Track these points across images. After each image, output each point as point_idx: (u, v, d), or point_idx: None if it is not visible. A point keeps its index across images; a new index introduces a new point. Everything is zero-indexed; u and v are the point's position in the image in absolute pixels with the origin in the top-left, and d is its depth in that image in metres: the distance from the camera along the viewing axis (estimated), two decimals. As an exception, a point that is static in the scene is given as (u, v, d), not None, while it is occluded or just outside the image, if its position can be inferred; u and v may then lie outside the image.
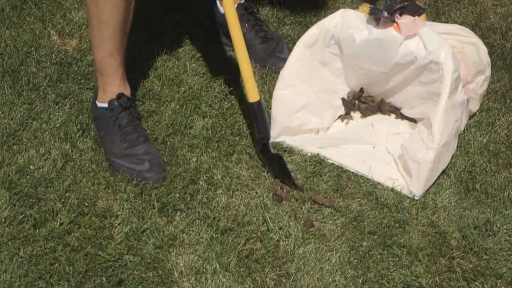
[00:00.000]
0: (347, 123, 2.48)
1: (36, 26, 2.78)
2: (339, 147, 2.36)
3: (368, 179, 2.24)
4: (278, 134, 2.35)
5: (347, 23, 2.32)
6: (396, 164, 2.29)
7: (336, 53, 2.40)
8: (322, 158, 2.29)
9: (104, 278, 1.90)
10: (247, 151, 2.31)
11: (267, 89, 2.53)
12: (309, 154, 2.31)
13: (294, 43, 2.39)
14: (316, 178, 2.22)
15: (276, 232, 2.04)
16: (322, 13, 2.95)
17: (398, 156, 2.28)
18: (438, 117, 2.17)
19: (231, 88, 2.55)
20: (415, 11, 2.27)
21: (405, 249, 2.01)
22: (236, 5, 2.71)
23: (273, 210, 2.11)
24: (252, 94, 2.25)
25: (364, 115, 2.50)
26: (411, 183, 2.19)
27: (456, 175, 2.24)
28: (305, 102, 2.36)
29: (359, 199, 2.17)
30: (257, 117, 2.26)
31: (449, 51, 2.20)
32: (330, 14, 2.39)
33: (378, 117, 2.49)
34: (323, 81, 2.43)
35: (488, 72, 2.46)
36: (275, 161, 2.23)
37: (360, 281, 1.94)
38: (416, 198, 2.17)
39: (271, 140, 2.32)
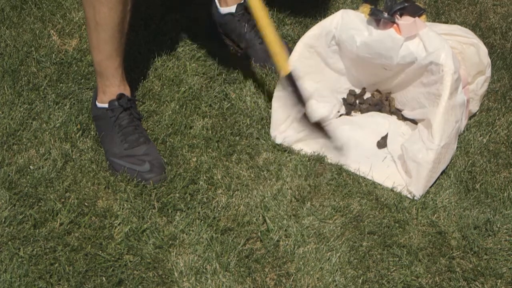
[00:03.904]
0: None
1: (36, 26, 2.78)
2: (342, 134, 2.37)
3: (368, 178, 2.24)
4: (280, 133, 2.36)
5: (348, 24, 2.32)
6: (396, 164, 2.29)
7: (337, 53, 2.40)
8: (322, 156, 2.29)
9: (104, 278, 1.90)
10: (247, 151, 2.31)
11: (267, 89, 2.53)
12: (309, 153, 2.31)
13: (294, 43, 2.39)
14: (317, 177, 2.22)
15: (276, 232, 2.04)
16: (322, 13, 2.95)
17: (398, 156, 2.28)
18: (438, 118, 2.17)
19: (231, 88, 2.55)
20: (415, 12, 2.26)
21: (405, 249, 2.02)
22: (236, 5, 2.71)
23: (272, 210, 2.11)
24: (283, 67, 2.24)
25: (365, 115, 2.51)
26: (411, 183, 2.19)
27: (456, 175, 2.24)
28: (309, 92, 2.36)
29: (359, 199, 2.17)
30: (292, 88, 2.25)
31: (449, 52, 2.20)
32: (330, 14, 2.39)
33: (380, 115, 2.49)
34: (324, 81, 2.43)
35: (488, 73, 2.46)
36: (315, 126, 2.27)
37: (360, 281, 1.94)
38: (416, 198, 2.17)
39: (273, 139, 2.34)
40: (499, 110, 2.51)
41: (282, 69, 2.24)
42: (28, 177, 2.16)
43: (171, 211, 2.08)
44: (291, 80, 2.24)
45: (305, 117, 2.27)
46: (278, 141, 2.35)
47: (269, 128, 2.37)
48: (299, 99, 2.24)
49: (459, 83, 2.23)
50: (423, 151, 2.17)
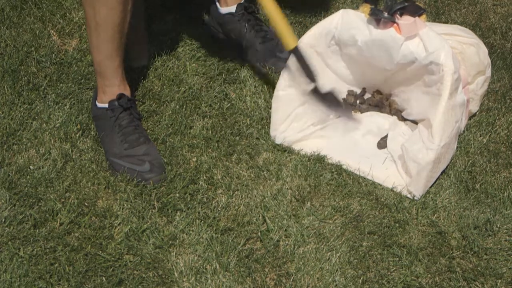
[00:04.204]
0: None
1: (36, 26, 2.78)
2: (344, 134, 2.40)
3: (368, 178, 2.25)
4: (280, 133, 2.36)
5: (348, 24, 2.32)
6: (396, 164, 2.29)
7: (337, 53, 2.40)
8: (322, 156, 2.29)
9: (104, 278, 1.90)
10: (247, 151, 2.31)
11: (267, 89, 2.53)
12: (309, 153, 2.31)
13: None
14: (317, 177, 2.22)
15: (276, 232, 2.04)
16: (322, 14, 2.95)
17: (398, 156, 2.28)
18: (438, 118, 2.17)
19: (231, 88, 2.55)
20: (416, 12, 2.26)
21: (405, 249, 2.02)
22: (236, 5, 2.71)
23: (272, 210, 2.11)
24: (289, 43, 2.26)
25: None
26: (411, 183, 2.19)
27: (456, 175, 2.24)
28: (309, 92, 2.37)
29: (359, 199, 2.17)
30: (299, 63, 2.28)
31: (449, 52, 2.19)
32: (330, 14, 2.38)
33: (380, 115, 2.50)
34: (324, 81, 2.42)
35: (488, 73, 2.46)
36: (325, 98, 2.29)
37: (360, 281, 1.94)
38: (416, 198, 2.17)
39: (273, 138, 2.35)
40: (499, 110, 2.51)
41: (288, 44, 2.26)
42: (28, 177, 2.16)
43: (171, 211, 2.08)
44: (298, 54, 2.25)
45: (315, 91, 2.28)
46: (278, 141, 2.35)
47: (269, 128, 2.37)
48: (308, 73, 2.26)
49: (459, 83, 2.22)
50: (423, 151, 2.17)
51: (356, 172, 2.26)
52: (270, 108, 2.37)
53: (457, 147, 2.30)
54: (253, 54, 2.67)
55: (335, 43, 2.37)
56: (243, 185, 2.19)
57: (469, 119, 2.44)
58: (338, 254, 1.99)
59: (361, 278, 1.95)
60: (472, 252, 2.02)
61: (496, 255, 2.02)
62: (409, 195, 2.19)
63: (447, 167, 2.26)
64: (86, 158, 2.24)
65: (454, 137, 2.26)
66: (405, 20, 2.24)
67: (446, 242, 2.05)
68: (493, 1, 3.12)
